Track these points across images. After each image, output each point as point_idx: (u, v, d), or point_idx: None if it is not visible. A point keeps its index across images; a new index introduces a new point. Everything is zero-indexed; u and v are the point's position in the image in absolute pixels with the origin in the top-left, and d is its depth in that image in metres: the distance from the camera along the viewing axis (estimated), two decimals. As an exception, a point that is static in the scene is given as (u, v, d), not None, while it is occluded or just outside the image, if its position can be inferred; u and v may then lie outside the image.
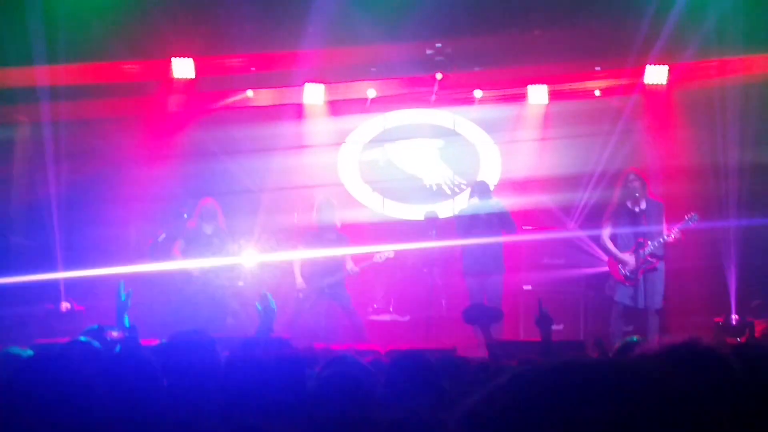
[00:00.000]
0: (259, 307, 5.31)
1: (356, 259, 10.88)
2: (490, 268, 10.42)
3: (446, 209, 12.79)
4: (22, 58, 11.32)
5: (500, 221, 10.49)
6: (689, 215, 10.03)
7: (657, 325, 9.86)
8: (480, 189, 10.75)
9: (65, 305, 11.38)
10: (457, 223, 10.82)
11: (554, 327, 6.95)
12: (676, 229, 9.97)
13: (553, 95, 13.01)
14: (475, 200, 10.63)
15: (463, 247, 10.66)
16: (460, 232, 10.65)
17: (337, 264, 10.77)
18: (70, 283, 11.57)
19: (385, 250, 10.85)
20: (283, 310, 10.84)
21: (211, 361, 3.61)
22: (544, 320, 6.47)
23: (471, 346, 9.92)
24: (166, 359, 3.68)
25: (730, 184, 11.86)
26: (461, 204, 12.00)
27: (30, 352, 4.59)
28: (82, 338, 4.40)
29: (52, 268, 11.71)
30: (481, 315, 6.95)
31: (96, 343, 4.18)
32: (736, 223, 11.86)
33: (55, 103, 11.64)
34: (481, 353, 9.41)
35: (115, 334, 4.81)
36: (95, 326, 5.09)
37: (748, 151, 11.71)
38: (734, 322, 11.11)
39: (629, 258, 10.01)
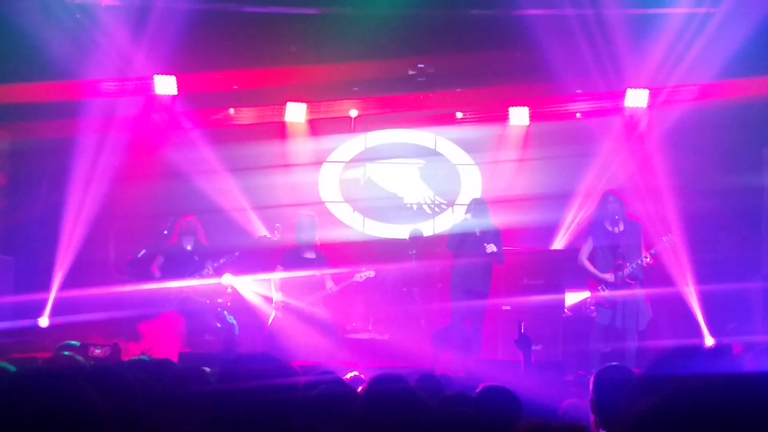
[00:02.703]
0: (219, 326, 5.31)
1: (336, 278, 10.87)
2: (478, 288, 10.37)
3: (428, 229, 12.83)
4: (3, 75, 11.28)
5: (493, 242, 10.41)
6: (665, 237, 10.14)
7: (635, 346, 9.91)
8: (476, 206, 10.65)
9: (44, 321, 11.33)
10: (449, 239, 10.76)
11: (533, 347, 7.00)
12: (653, 251, 10.07)
13: (534, 116, 13.10)
14: (469, 216, 10.57)
15: (453, 263, 10.63)
16: (451, 247, 10.61)
17: (317, 283, 10.76)
18: (49, 299, 11.53)
19: (366, 272, 10.83)
20: (262, 327, 10.86)
21: (198, 375, 3.62)
22: (523, 342, 6.51)
23: (449, 365, 9.93)
24: (147, 374, 3.68)
25: (706, 206, 11.97)
26: (455, 219, 11.99)
27: (12, 368, 4.56)
28: (66, 353, 4.39)
29: (31, 284, 11.65)
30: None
31: (79, 358, 4.18)
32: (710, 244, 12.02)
33: (36, 120, 11.60)
34: (458, 373, 9.45)
35: (97, 351, 4.80)
36: (76, 343, 5.08)
37: (725, 174, 11.83)
38: (711, 344, 11.18)
39: (608, 279, 10.07)
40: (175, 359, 9.10)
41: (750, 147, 12.17)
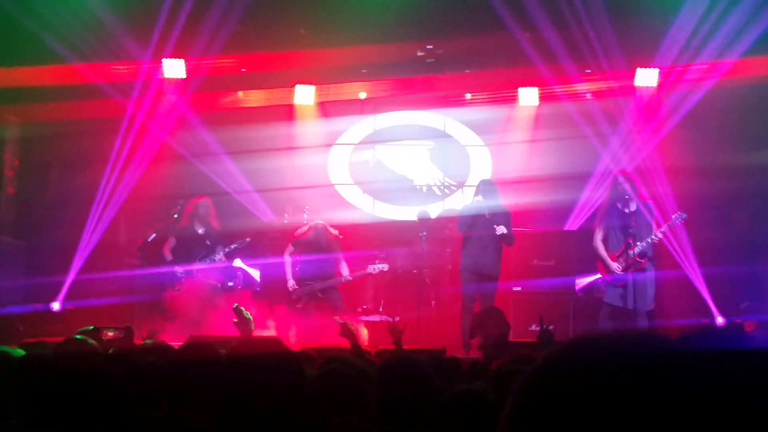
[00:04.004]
0: (235, 321, 5.32)
1: (351, 268, 10.91)
2: (488, 269, 10.36)
3: (437, 210, 12.82)
4: (12, 59, 11.29)
5: (503, 224, 10.39)
6: (676, 214, 10.11)
7: (646, 326, 9.89)
8: (485, 188, 10.64)
9: (56, 305, 11.38)
10: (459, 220, 10.76)
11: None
12: (664, 228, 10.05)
13: (544, 97, 13.05)
14: (480, 198, 10.53)
15: (463, 245, 10.63)
16: (462, 228, 10.60)
17: (331, 268, 10.79)
18: (61, 284, 11.58)
19: (380, 265, 10.90)
20: (277, 311, 10.89)
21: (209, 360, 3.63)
22: (546, 337, 6.47)
23: (460, 346, 9.95)
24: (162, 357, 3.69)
25: (717, 186, 11.91)
26: (465, 201, 11.96)
27: (21, 352, 4.59)
28: (78, 337, 4.40)
29: (43, 268, 11.69)
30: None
31: (92, 342, 4.19)
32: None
33: (46, 103, 11.60)
34: (468, 354, 9.46)
35: (110, 334, 4.81)
36: (90, 327, 5.09)
37: (737, 153, 11.76)
38: (721, 323, 11.18)
39: (619, 260, 10.05)
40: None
41: (762, 126, 12.08)
